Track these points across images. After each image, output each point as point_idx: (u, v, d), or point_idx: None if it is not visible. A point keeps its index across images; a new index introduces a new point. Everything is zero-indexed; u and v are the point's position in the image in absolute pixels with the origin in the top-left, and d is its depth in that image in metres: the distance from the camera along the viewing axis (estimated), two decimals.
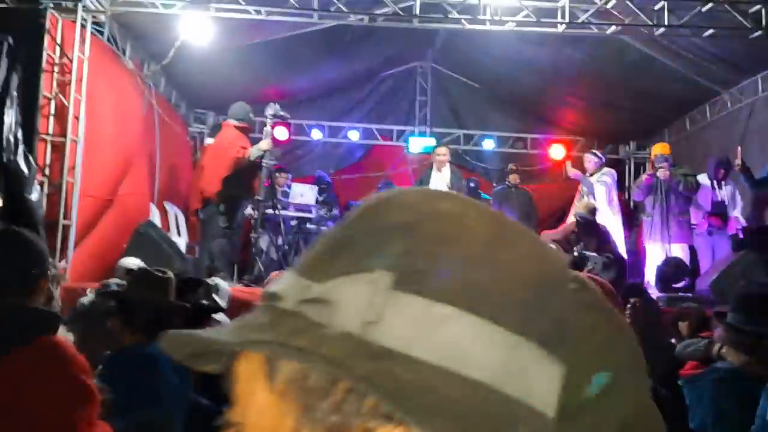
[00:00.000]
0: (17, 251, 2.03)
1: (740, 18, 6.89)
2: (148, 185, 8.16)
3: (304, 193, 9.42)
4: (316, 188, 9.79)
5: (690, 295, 7.13)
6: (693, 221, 8.23)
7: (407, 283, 0.48)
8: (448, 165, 8.68)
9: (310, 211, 9.51)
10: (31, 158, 5.84)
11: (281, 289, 0.53)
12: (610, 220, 9.00)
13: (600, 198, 9.03)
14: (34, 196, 5.78)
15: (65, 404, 1.79)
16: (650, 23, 7.03)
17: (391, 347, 0.47)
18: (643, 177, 8.46)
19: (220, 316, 3.64)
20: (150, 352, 2.55)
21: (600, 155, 9.53)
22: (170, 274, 2.84)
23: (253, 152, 7.12)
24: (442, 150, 8.90)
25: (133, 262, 5.03)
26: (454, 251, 0.49)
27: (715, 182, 8.12)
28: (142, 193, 7.92)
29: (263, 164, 7.34)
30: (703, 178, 8.28)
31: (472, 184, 10.04)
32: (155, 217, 7.93)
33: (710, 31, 7.09)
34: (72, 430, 1.77)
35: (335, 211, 10.42)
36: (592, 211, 7.66)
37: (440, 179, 8.53)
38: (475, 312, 0.47)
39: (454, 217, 0.51)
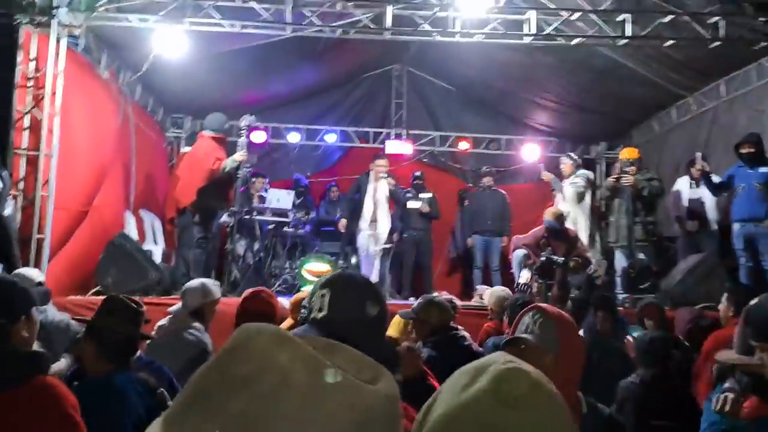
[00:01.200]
0: None
1: (700, 29, 7.10)
2: (124, 194, 8.21)
3: (280, 198, 9.53)
4: (293, 192, 9.90)
5: (653, 295, 7.35)
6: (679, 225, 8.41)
7: None
8: (384, 177, 8.63)
9: (286, 216, 9.63)
10: (5, 173, 5.90)
11: None
12: (580, 220, 9.24)
13: (570, 199, 9.27)
14: (7, 211, 5.84)
15: None
16: (613, 35, 7.22)
17: None
18: (611, 180, 8.68)
19: None
20: (118, 382, 2.69)
21: (575, 157, 9.75)
22: (143, 305, 2.98)
23: (228, 164, 7.22)
24: (383, 162, 8.81)
25: (31, 273, 4.81)
26: (281, 405, 0.62)
27: (693, 182, 8.24)
28: (117, 203, 7.95)
29: (238, 174, 7.44)
30: (683, 180, 8.46)
31: (419, 181, 10.13)
32: (130, 226, 8.01)
33: (671, 42, 7.30)
34: None
35: (312, 215, 10.56)
36: (559, 218, 7.85)
37: (379, 190, 8.58)
38: None
39: (285, 370, 0.64)
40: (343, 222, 9.08)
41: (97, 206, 7.20)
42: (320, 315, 1.34)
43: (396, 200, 8.72)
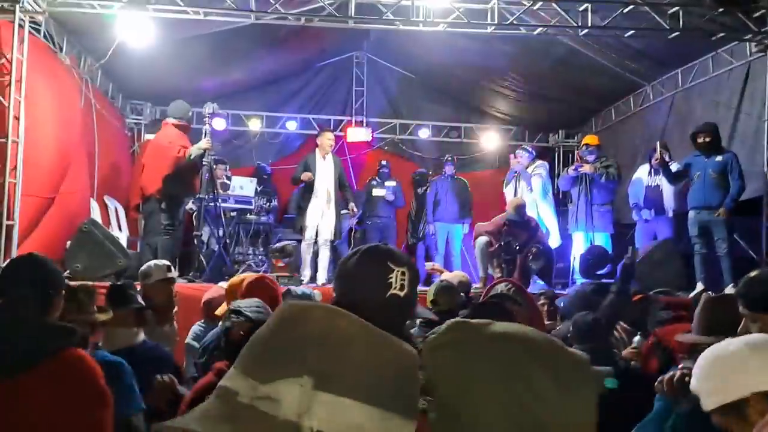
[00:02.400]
0: (35, 274, 2.30)
1: (659, 19, 7.29)
2: (89, 181, 8.14)
3: (243, 186, 9.61)
4: (255, 180, 9.94)
5: (612, 281, 7.56)
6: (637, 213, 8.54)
7: (322, 384, 0.79)
8: (331, 152, 8.31)
9: (249, 203, 9.68)
10: None
11: (233, 385, 0.81)
12: (545, 211, 9.45)
13: (536, 189, 9.44)
14: None
15: (91, 408, 2.05)
16: (575, 24, 7.37)
17: (318, 428, 0.78)
18: (571, 168, 8.87)
19: None
20: None
21: (530, 150, 9.87)
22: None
23: (193, 151, 7.23)
24: (330, 135, 8.44)
25: None
26: (348, 359, 0.81)
27: (652, 170, 8.30)
28: (83, 189, 7.88)
29: (204, 162, 7.45)
30: (643, 168, 8.58)
31: (385, 169, 10.43)
32: (95, 213, 7.94)
33: (631, 32, 7.48)
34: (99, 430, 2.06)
35: (274, 202, 10.58)
36: (519, 209, 8.05)
37: (327, 168, 8.17)
38: (362, 400, 0.79)
39: (346, 332, 0.83)
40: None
41: (64, 193, 7.13)
42: (402, 293, 1.51)
43: (342, 184, 8.32)
